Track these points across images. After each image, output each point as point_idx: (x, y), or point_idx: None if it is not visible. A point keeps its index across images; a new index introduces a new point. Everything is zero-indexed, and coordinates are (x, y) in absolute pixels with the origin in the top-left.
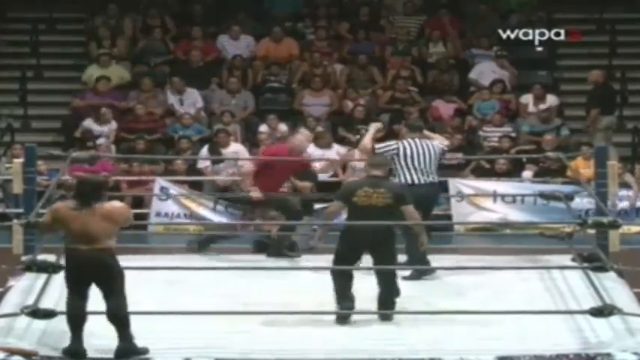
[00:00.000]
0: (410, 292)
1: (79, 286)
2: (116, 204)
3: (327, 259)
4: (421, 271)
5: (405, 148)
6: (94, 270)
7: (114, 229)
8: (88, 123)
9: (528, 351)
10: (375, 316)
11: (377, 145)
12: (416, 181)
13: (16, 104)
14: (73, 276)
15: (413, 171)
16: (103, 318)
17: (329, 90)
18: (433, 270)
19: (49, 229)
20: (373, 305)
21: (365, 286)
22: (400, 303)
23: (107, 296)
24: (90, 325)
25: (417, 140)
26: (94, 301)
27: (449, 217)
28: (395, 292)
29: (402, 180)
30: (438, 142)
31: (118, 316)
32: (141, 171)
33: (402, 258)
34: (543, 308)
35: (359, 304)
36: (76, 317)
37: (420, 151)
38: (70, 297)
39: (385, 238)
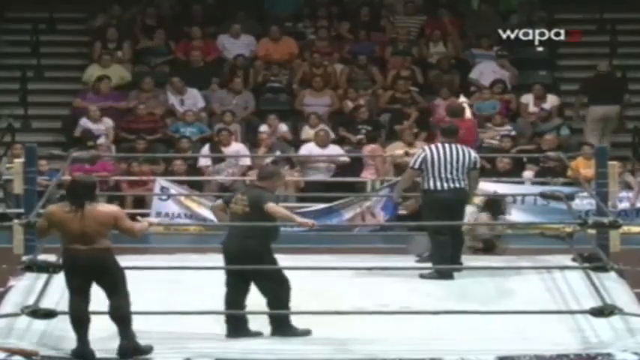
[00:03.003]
0: (410, 292)
1: (80, 286)
2: (106, 206)
3: (328, 259)
4: (441, 272)
5: (431, 154)
6: (94, 269)
7: (106, 230)
8: (84, 122)
9: (529, 351)
10: (375, 317)
11: (410, 160)
12: (439, 187)
13: (16, 104)
14: (73, 276)
15: (437, 177)
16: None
17: (329, 90)
18: (451, 274)
19: (46, 233)
20: (370, 305)
21: (360, 286)
22: (401, 303)
23: (109, 295)
24: (98, 325)
25: (446, 145)
26: (99, 301)
27: None
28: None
29: (425, 186)
30: (474, 153)
31: (120, 315)
32: (141, 171)
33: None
34: (544, 308)
35: (357, 304)
36: (79, 319)
37: (448, 158)
38: (71, 298)
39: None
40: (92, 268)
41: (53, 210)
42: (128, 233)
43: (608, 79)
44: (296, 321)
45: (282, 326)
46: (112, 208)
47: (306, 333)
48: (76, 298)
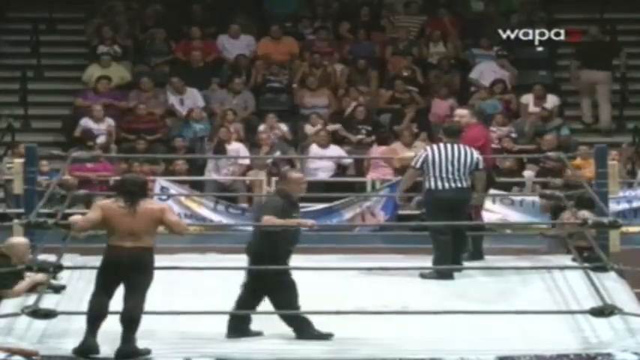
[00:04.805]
0: (411, 292)
1: (111, 284)
2: (153, 202)
3: (328, 259)
4: (441, 272)
5: (433, 154)
6: (132, 268)
7: (155, 226)
8: (86, 121)
9: (529, 351)
10: (375, 317)
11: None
12: (439, 187)
13: (16, 104)
14: (109, 273)
15: (438, 177)
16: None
17: (329, 90)
18: (451, 274)
19: (89, 228)
20: (371, 305)
21: (360, 286)
22: (401, 303)
23: (129, 294)
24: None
25: (448, 146)
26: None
27: None
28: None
29: (427, 186)
30: (477, 153)
31: (131, 316)
32: (141, 171)
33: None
34: (544, 308)
35: (357, 304)
36: (99, 315)
37: (450, 158)
38: (97, 293)
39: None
40: (131, 266)
41: (108, 204)
42: (174, 227)
43: (599, 46)
44: None
45: (301, 331)
46: (158, 203)
47: (328, 337)
48: (102, 294)
